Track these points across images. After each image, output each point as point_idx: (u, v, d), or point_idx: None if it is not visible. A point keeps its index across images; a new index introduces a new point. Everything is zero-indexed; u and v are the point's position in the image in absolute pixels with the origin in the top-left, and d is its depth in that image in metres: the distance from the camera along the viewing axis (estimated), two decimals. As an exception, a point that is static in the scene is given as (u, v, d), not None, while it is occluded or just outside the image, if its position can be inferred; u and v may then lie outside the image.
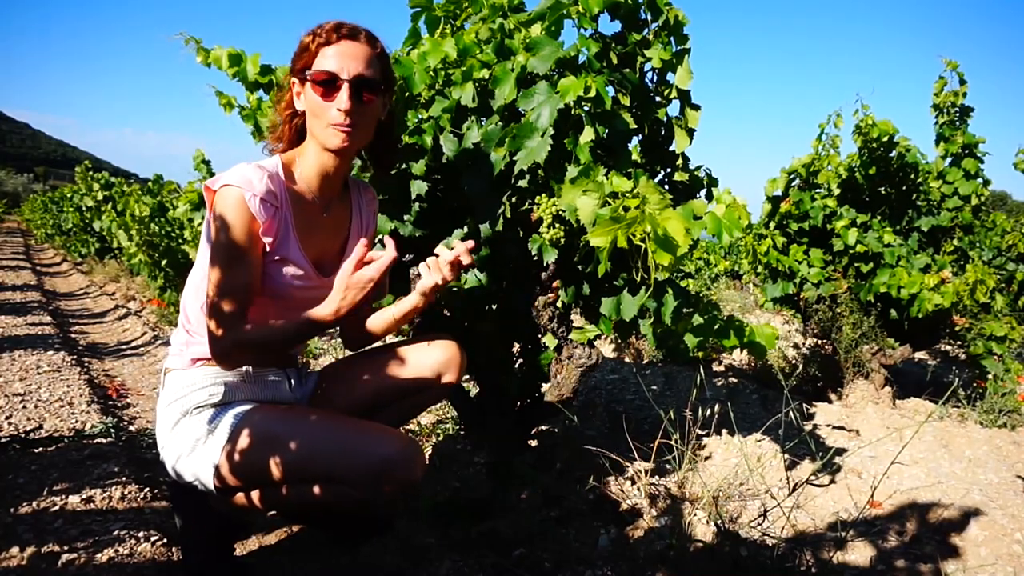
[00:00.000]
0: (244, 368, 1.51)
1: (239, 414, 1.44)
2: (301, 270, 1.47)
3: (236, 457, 1.39)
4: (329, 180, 1.50)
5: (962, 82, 3.64)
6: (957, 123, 3.68)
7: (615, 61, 1.70)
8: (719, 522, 1.77)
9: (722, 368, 4.52)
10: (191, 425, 1.44)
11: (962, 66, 3.61)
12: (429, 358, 1.63)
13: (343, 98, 1.37)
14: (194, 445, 1.43)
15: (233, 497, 1.48)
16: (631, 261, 1.40)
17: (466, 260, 1.48)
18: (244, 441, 1.39)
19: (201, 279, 1.46)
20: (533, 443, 2.51)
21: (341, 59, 1.38)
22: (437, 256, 1.49)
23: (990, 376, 3.37)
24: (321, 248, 1.53)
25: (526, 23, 1.72)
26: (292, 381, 1.61)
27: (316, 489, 1.39)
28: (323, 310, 1.41)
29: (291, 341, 1.44)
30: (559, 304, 1.93)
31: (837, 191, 3.95)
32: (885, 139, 3.65)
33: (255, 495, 1.47)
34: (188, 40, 1.98)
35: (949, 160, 3.74)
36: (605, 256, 1.34)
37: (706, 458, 2.52)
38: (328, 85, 1.37)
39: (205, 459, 1.42)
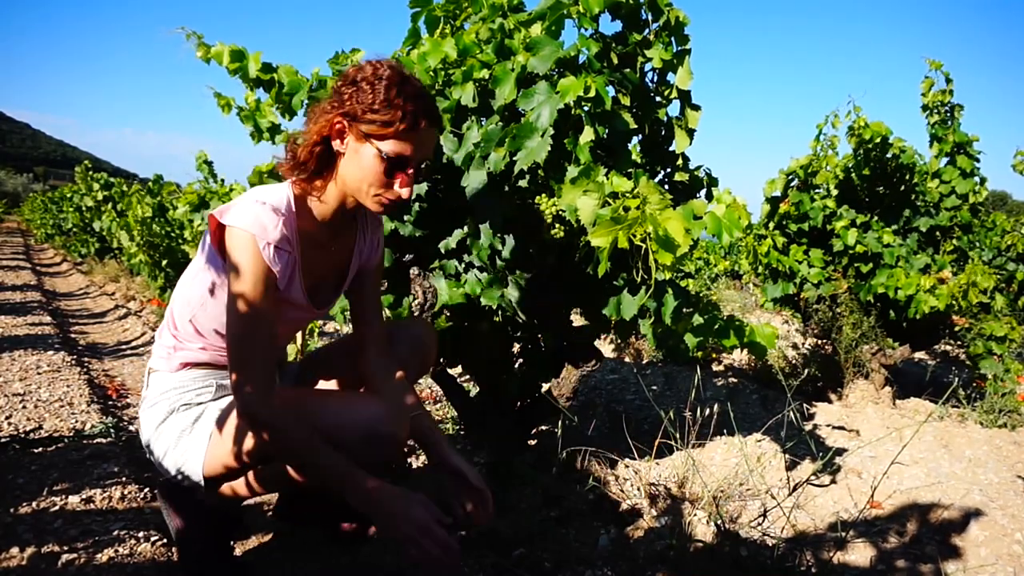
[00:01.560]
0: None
1: (224, 404, 1.46)
2: (298, 306, 1.46)
3: (224, 441, 1.40)
4: (345, 213, 1.46)
5: (948, 79, 3.65)
6: (948, 122, 3.69)
7: (615, 61, 1.70)
8: (719, 522, 1.77)
9: (722, 368, 4.52)
10: (177, 420, 1.46)
11: (960, 66, 3.63)
12: (408, 335, 1.65)
13: (406, 182, 1.34)
14: (179, 437, 1.44)
15: (223, 486, 1.49)
16: (631, 261, 1.40)
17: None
18: (231, 424, 1.40)
19: (197, 295, 1.44)
20: (533, 443, 2.51)
21: (421, 147, 1.34)
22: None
23: (990, 376, 3.37)
24: (320, 275, 1.51)
25: (526, 23, 1.72)
26: (278, 375, 1.63)
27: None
28: (362, 487, 1.29)
29: (314, 470, 1.33)
30: (559, 304, 1.93)
31: (835, 192, 3.96)
32: (879, 140, 3.66)
33: (246, 479, 1.48)
34: (189, 35, 1.98)
35: (944, 160, 3.75)
36: (605, 256, 1.34)
37: (706, 458, 2.51)
38: (396, 165, 1.32)
39: (192, 449, 1.43)
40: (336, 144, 1.35)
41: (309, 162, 1.35)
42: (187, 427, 1.45)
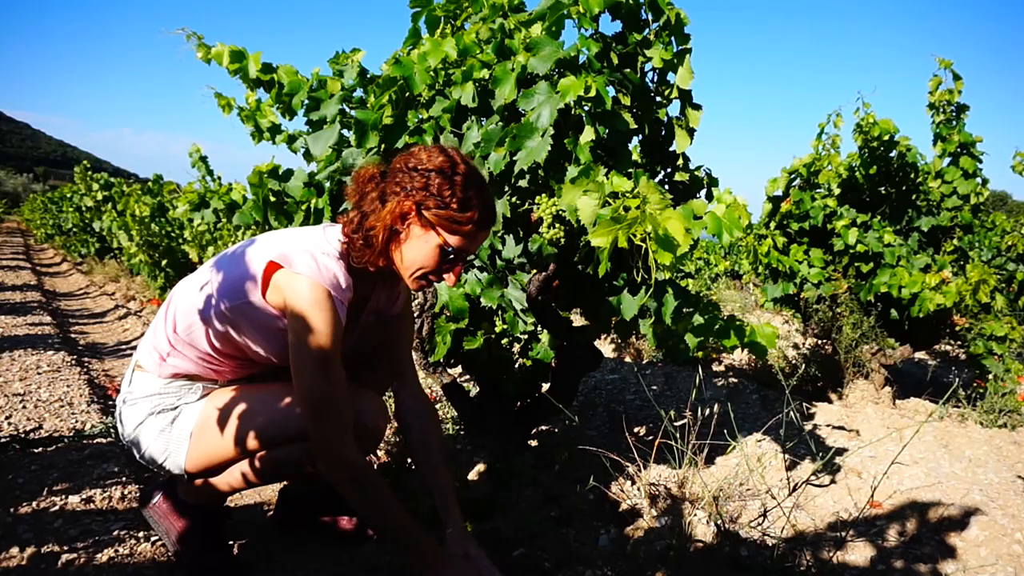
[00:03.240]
0: (219, 383, 1.53)
1: (204, 400, 1.48)
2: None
3: (208, 435, 1.42)
4: (375, 277, 1.50)
5: (956, 78, 3.63)
6: (953, 122, 3.68)
7: (615, 61, 1.70)
8: (719, 522, 1.77)
9: (722, 368, 4.52)
10: (157, 420, 1.47)
11: (961, 67, 3.61)
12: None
13: (458, 272, 1.40)
14: (160, 433, 1.46)
15: (219, 481, 1.50)
16: (631, 261, 1.40)
17: None
18: (214, 418, 1.42)
19: (202, 304, 1.43)
20: (533, 443, 2.51)
21: (478, 244, 1.41)
22: None
23: (990, 376, 3.37)
24: None
25: (526, 23, 1.72)
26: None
27: (289, 451, 1.44)
28: (425, 550, 1.40)
29: (381, 522, 1.42)
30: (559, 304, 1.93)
31: (837, 191, 3.95)
32: (886, 138, 3.65)
33: (228, 474, 1.50)
34: (189, 36, 1.98)
35: (947, 160, 3.74)
36: (606, 256, 1.34)
37: (706, 458, 2.51)
38: (455, 257, 1.38)
39: (174, 444, 1.45)
40: (397, 225, 1.37)
41: (379, 245, 1.38)
42: (166, 425, 1.46)
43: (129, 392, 1.51)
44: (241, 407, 1.44)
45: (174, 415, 1.46)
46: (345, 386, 1.35)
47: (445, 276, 1.40)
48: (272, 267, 1.34)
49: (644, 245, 1.31)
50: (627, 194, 1.38)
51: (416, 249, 1.37)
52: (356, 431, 1.39)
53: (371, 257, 1.39)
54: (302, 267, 1.31)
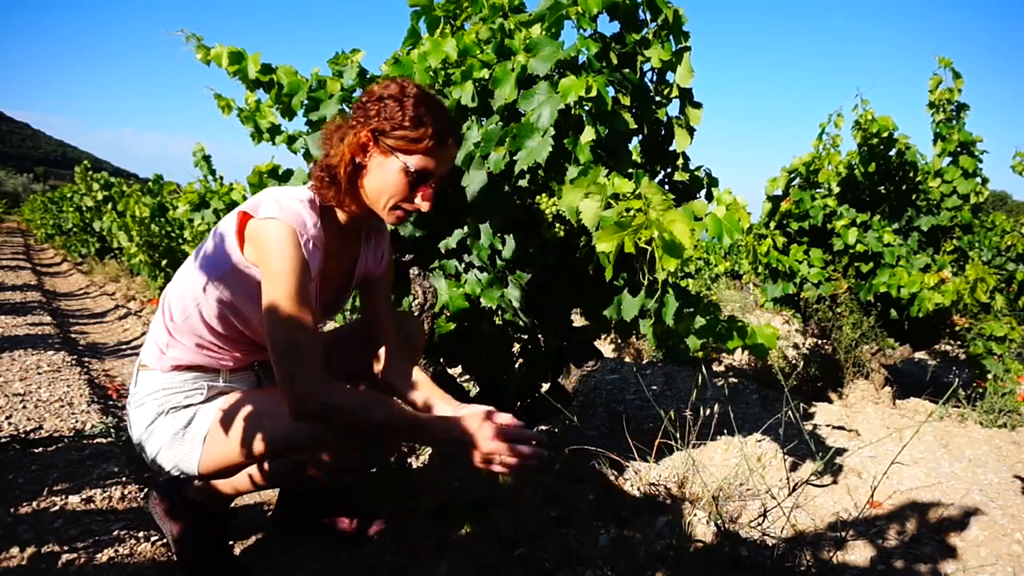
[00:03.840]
0: (221, 373, 1.52)
1: (218, 402, 1.47)
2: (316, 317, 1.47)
3: (222, 439, 1.41)
4: (355, 223, 1.51)
5: (956, 76, 3.63)
6: (953, 121, 3.68)
7: (615, 61, 1.70)
8: (719, 522, 1.77)
9: (722, 368, 4.52)
10: (168, 422, 1.46)
11: (960, 66, 3.61)
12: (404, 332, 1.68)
13: (428, 195, 1.40)
14: (173, 438, 1.44)
15: (223, 484, 1.50)
16: (635, 263, 1.40)
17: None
18: (225, 424, 1.41)
19: (200, 285, 1.43)
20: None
21: (444, 163, 1.40)
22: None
23: (990, 376, 3.37)
24: (327, 281, 1.54)
25: (526, 23, 1.72)
26: (262, 376, 1.64)
27: (298, 457, 1.45)
28: (432, 430, 1.36)
29: (378, 430, 1.35)
30: (559, 304, 1.93)
31: (837, 189, 3.95)
32: (885, 135, 3.65)
33: (239, 477, 1.49)
34: (189, 37, 1.98)
35: (947, 159, 3.74)
36: (611, 260, 1.34)
37: (707, 458, 2.51)
38: (420, 179, 1.38)
39: (188, 448, 1.44)
40: (359, 158, 1.39)
41: (343, 178, 1.39)
42: (180, 429, 1.44)
43: (135, 394, 1.51)
44: (255, 411, 1.42)
45: (188, 417, 1.45)
46: (315, 329, 1.34)
47: (417, 202, 1.40)
48: (243, 218, 1.36)
49: (649, 248, 1.31)
50: (628, 195, 1.38)
51: (380, 178, 1.38)
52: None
53: (338, 195, 1.41)
54: (266, 211, 1.33)
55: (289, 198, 1.36)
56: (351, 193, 1.42)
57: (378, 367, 1.63)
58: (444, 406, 1.49)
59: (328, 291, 1.57)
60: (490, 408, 1.38)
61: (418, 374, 1.60)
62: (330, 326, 2.09)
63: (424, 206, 1.40)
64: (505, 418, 1.35)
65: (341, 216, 1.47)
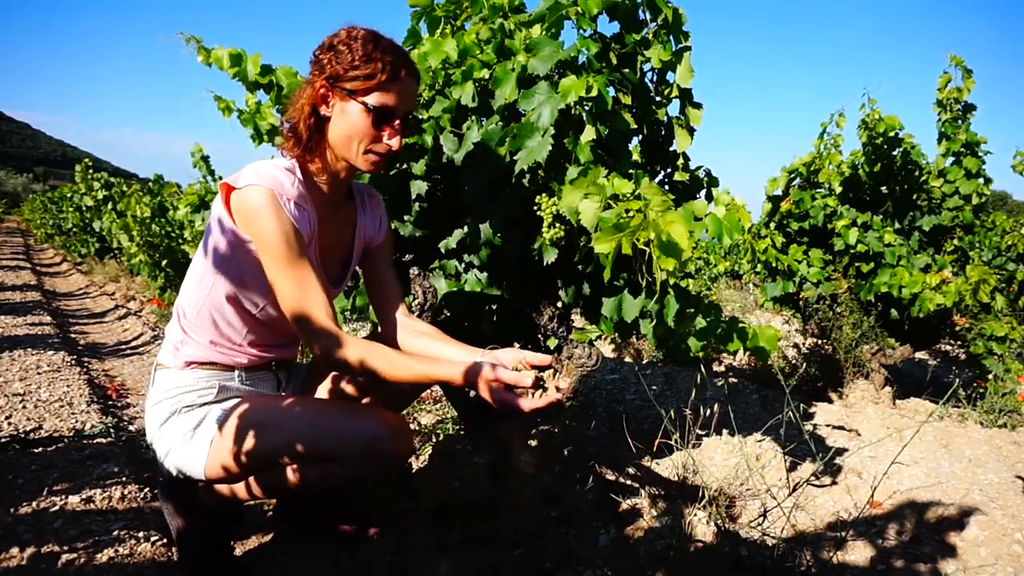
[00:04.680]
0: (236, 371, 1.52)
1: (228, 406, 1.46)
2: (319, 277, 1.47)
3: (226, 445, 1.41)
4: (339, 185, 1.50)
5: (967, 75, 3.60)
6: (959, 120, 3.66)
7: (615, 61, 1.70)
8: (719, 522, 1.77)
9: (722, 368, 4.52)
10: (180, 421, 1.46)
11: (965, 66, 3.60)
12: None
13: (394, 133, 1.38)
14: (182, 439, 1.45)
15: (224, 488, 1.49)
16: (634, 264, 1.39)
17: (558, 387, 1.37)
18: (233, 429, 1.41)
19: (201, 275, 1.45)
20: (533, 443, 2.51)
21: (404, 98, 1.38)
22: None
23: (990, 376, 3.36)
24: (326, 249, 1.53)
25: (526, 24, 1.72)
26: (283, 379, 1.63)
27: (307, 469, 1.43)
28: (454, 371, 1.38)
29: (401, 374, 1.37)
30: (559, 304, 1.93)
31: (839, 189, 3.95)
32: (891, 134, 3.63)
33: (246, 484, 1.49)
34: (189, 39, 1.98)
35: (951, 159, 3.73)
36: (610, 262, 1.34)
37: (707, 458, 2.51)
38: (383, 117, 1.37)
39: (195, 451, 1.43)
40: (323, 110, 1.39)
41: (302, 128, 1.39)
42: (189, 430, 1.44)
43: (152, 394, 1.51)
44: (259, 421, 1.42)
45: (198, 419, 1.45)
46: (316, 285, 1.35)
47: (386, 141, 1.39)
48: (227, 191, 1.36)
49: (648, 249, 1.31)
50: (628, 196, 1.38)
51: (344, 124, 1.37)
52: (373, 455, 1.39)
53: (307, 152, 1.40)
54: (245, 180, 1.33)
55: (267, 165, 1.37)
56: (320, 146, 1.42)
57: (389, 329, 1.62)
58: (462, 353, 1.50)
59: (332, 264, 1.56)
60: (508, 350, 1.42)
61: (429, 328, 1.60)
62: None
63: (394, 143, 1.39)
64: (525, 356, 1.39)
65: (322, 182, 1.46)
